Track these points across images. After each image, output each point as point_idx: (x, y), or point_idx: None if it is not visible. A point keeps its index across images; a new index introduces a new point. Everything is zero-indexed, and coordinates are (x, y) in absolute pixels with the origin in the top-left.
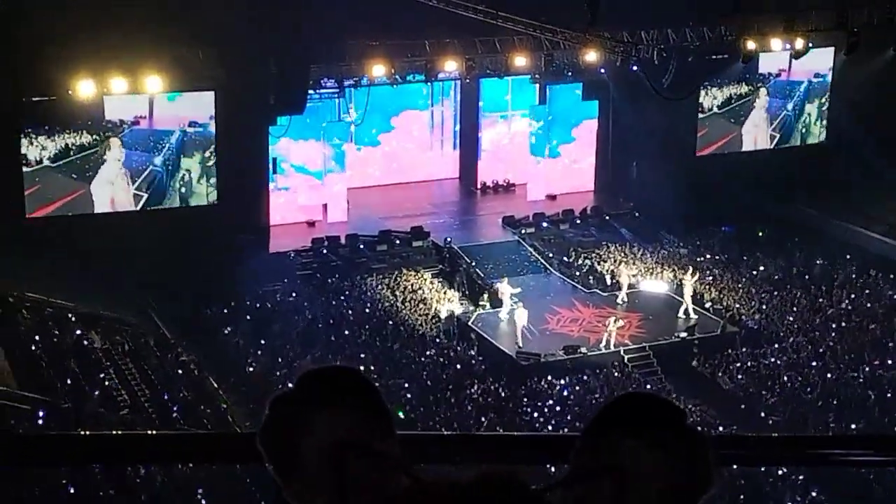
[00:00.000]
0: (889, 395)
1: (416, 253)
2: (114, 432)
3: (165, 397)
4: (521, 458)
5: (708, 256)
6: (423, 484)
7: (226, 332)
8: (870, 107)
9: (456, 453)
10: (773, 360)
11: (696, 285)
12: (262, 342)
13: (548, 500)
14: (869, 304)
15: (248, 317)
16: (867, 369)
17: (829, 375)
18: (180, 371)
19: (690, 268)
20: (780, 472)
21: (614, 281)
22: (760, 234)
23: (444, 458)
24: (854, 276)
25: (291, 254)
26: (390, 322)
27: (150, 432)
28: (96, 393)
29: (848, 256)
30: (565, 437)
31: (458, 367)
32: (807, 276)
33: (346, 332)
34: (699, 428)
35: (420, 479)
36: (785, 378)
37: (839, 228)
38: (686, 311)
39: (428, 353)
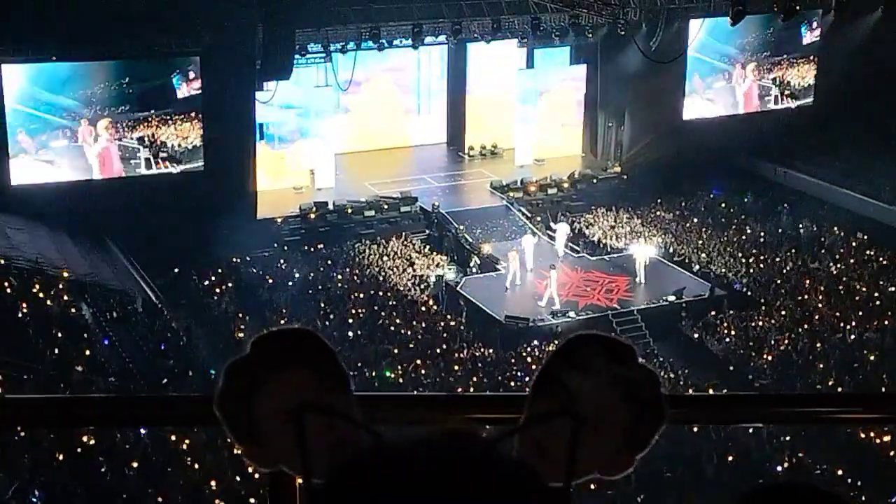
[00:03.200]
0: (875, 356)
1: (405, 218)
2: (96, 395)
3: (154, 364)
4: (479, 416)
5: (696, 220)
6: (383, 441)
7: (214, 298)
8: (857, 68)
9: (413, 413)
10: (760, 322)
11: (648, 258)
12: (251, 309)
13: (503, 450)
14: (856, 267)
15: (237, 283)
16: (854, 331)
17: (816, 338)
18: (168, 337)
19: (642, 239)
20: (767, 434)
21: (600, 244)
22: (746, 199)
23: (401, 417)
24: (841, 238)
25: (279, 220)
26: (379, 287)
27: (130, 396)
28: (84, 359)
29: (836, 219)
30: (522, 395)
31: (447, 331)
32: (794, 240)
33: (335, 298)
34: (648, 365)
35: (381, 436)
36: (773, 341)
37: (827, 191)
38: (640, 280)
39: (416, 317)
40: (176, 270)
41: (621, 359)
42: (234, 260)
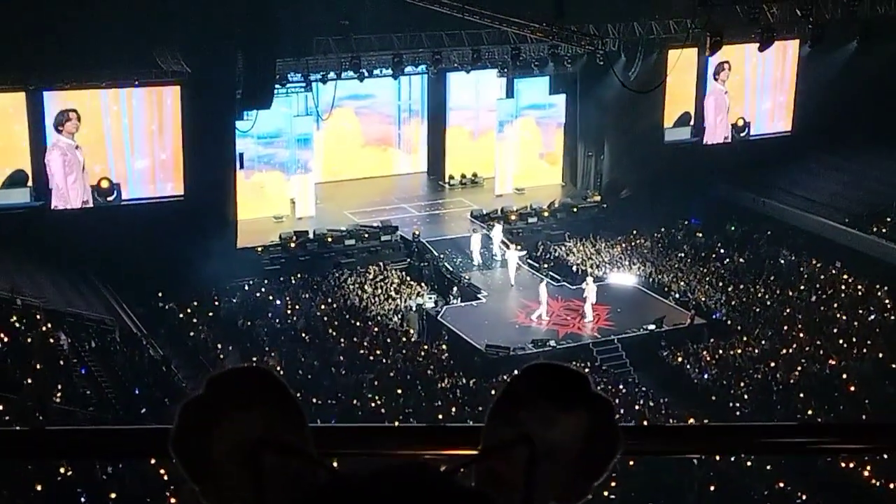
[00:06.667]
0: (854, 386)
1: (385, 247)
2: (72, 427)
3: (135, 393)
4: (439, 449)
5: (675, 249)
6: (338, 477)
7: (194, 328)
8: (835, 98)
9: (372, 445)
10: (740, 351)
11: (595, 298)
12: (231, 338)
13: (460, 481)
14: (834, 296)
15: (216, 313)
16: (833, 361)
17: (795, 367)
18: (148, 367)
19: (590, 276)
20: (748, 463)
21: (580, 272)
22: (733, 228)
23: (359, 450)
24: (820, 267)
25: (259, 249)
26: (359, 316)
27: (110, 427)
28: (62, 389)
29: (814, 248)
30: (479, 427)
31: (427, 360)
32: (773, 268)
33: (315, 327)
34: (602, 393)
35: (336, 472)
36: (752, 370)
37: (805, 219)
38: (588, 314)
39: (397, 346)
40: (156, 300)
41: (575, 387)
42: (214, 289)
